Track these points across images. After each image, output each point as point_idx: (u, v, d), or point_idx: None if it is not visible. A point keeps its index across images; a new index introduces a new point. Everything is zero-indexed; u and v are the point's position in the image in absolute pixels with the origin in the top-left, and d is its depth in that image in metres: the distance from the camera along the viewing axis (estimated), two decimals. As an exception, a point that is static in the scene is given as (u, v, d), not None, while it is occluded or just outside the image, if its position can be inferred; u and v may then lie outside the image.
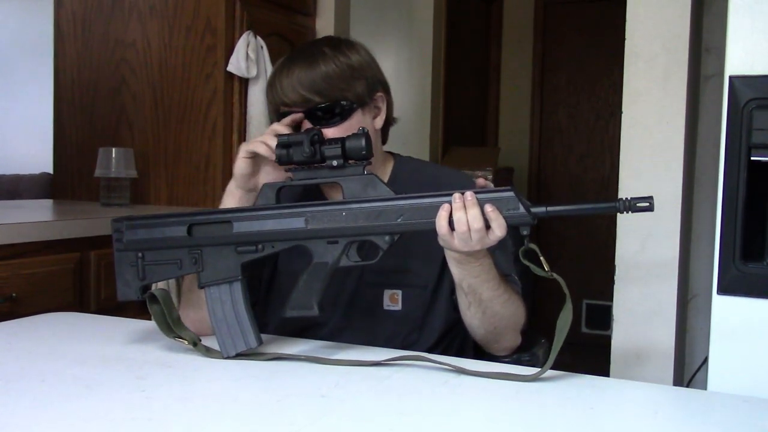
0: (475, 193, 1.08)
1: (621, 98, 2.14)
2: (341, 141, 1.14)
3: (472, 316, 1.25)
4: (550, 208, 1.07)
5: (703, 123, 2.42)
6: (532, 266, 1.07)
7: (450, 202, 1.08)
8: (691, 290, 2.46)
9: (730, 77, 1.41)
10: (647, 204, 1.02)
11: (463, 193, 1.08)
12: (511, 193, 1.07)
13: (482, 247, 1.10)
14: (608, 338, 2.18)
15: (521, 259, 1.08)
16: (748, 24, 1.40)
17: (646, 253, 2.10)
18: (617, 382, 1.28)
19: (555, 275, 1.06)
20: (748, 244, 1.41)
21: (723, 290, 1.42)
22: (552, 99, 4.78)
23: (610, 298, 2.16)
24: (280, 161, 1.17)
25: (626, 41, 2.12)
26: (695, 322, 2.45)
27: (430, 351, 1.32)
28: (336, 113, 1.31)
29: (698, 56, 2.35)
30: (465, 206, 1.07)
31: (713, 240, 1.44)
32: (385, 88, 1.41)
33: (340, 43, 1.36)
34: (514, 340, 1.32)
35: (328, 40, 1.41)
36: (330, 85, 1.30)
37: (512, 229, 1.09)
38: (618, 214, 1.07)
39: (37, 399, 0.96)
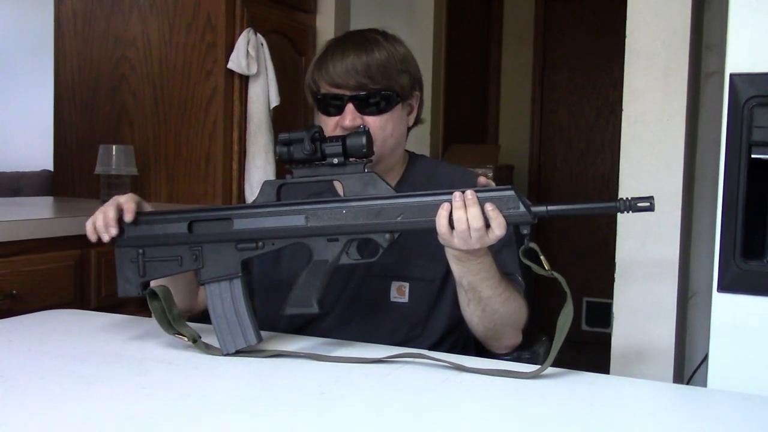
0: (476, 191, 1.08)
1: (621, 96, 2.14)
2: (342, 139, 1.14)
3: (471, 313, 1.25)
4: (550, 208, 1.06)
5: (703, 121, 2.42)
6: (533, 265, 1.07)
7: (450, 201, 1.08)
8: (691, 288, 2.46)
9: (731, 75, 1.41)
10: (648, 204, 1.02)
11: (463, 192, 1.08)
12: (512, 192, 1.07)
13: (482, 246, 1.10)
14: (608, 336, 2.18)
15: (521, 258, 1.08)
16: (749, 21, 1.40)
17: (646, 251, 2.10)
18: (617, 379, 1.28)
19: (555, 274, 1.06)
20: (749, 242, 1.41)
21: (723, 288, 1.42)
22: (552, 97, 4.78)
23: (611, 295, 2.16)
24: (281, 158, 1.17)
25: (627, 39, 2.12)
26: (695, 319, 2.45)
27: (433, 348, 1.32)
28: (382, 101, 1.33)
29: (699, 54, 2.35)
30: (465, 205, 1.07)
31: (713, 238, 1.44)
32: (421, 88, 1.44)
33: (388, 34, 1.40)
34: (514, 338, 1.32)
35: (375, 30, 1.42)
36: (383, 73, 1.32)
37: (513, 228, 1.09)
38: (618, 213, 1.07)
39: (37, 396, 0.96)
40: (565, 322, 1.06)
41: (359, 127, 1.17)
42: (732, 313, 1.42)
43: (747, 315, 1.41)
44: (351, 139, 1.13)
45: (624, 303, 2.14)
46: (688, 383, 2.27)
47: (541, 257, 1.06)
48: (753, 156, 1.40)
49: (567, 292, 1.05)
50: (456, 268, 1.19)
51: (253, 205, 1.18)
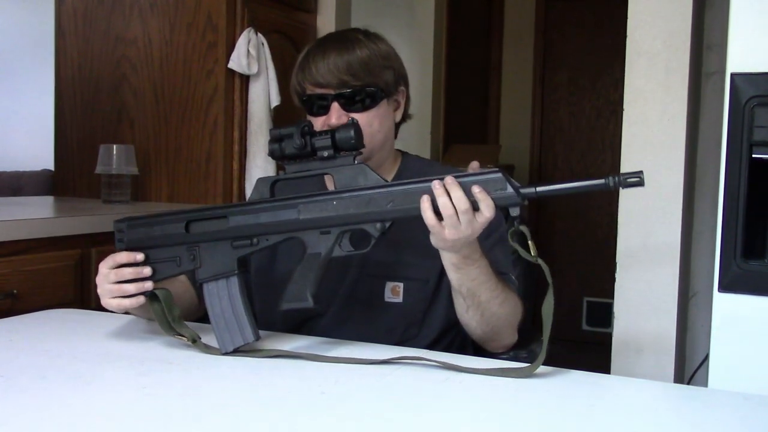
0: (462, 175, 1.07)
1: (622, 95, 2.14)
2: (331, 132, 1.14)
3: (470, 318, 1.25)
4: (539, 188, 1.05)
5: (704, 120, 2.42)
6: (520, 249, 1.06)
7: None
8: (692, 287, 2.45)
9: (732, 75, 1.41)
10: (637, 179, 1.01)
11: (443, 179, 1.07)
12: (499, 174, 1.05)
13: (473, 232, 1.08)
14: (609, 336, 2.18)
15: (510, 240, 1.07)
16: (750, 21, 1.40)
17: (647, 250, 2.10)
18: (618, 379, 1.28)
19: (540, 261, 1.05)
20: (750, 242, 1.41)
21: (724, 287, 1.42)
22: (553, 96, 4.78)
23: (611, 295, 2.16)
24: (273, 155, 1.18)
25: (627, 38, 2.12)
26: (696, 319, 2.45)
27: (430, 347, 1.32)
28: (366, 98, 1.33)
29: (699, 53, 2.35)
30: (447, 190, 1.06)
31: (714, 237, 1.44)
32: (407, 84, 1.44)
33: (369, 33, 1.40)
34: (511, 337, 1.32)
35: (357, 29, 1.43)
36: (365, 70, 1.33)
37: (503, 210, 1.07)
38: (610, 191, 1.05)
39: (37, 395, 0.96)
40: (548, 312, 1.06)
41: (349, 119, 1.17)
42: (733, 313, 1.42)
43: (748, 315, 1.41)
44: (340, 133, 1.14)
45: (625, 302, 2.14)
46: (688, 383, 2.27)
47: (530, 242, 1.05)
48: (754, 156, 1.40)
49: (549, 282, 1.04)
50: (454, 277, 1.18)
51: (247, 203, 1.19)
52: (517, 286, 1.33)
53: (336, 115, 1.31)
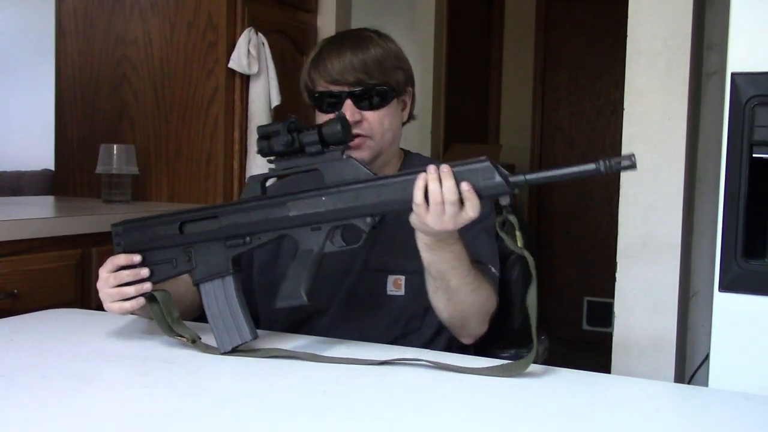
0: (451, 164, 1.06)
1: (622, 95, 2.14)
2: (318, 127, 1.14)
3: (437, 300, 1.25)
4: (528, 176, 1.04)
5: (704, 120, 2.42)
6: (507, 239, 1.06)
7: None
8: (692, 287, 2.46)
9: (732, 74, 1.41)
10: (629, 162, 0.99)
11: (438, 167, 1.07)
12: (487, 163, 1.04)
13: (455, 226, 1.07)
14: (609, 335, 2.18)
15: (498, 230, 1.07)
16: (751, 21, 1.40)
17: (647, 250, 2.10)
18: (618, 378, 1.28)
19: (525, 252, 1.05)
20: (750, 241, 1.41)
21: (725, 287, 1.42)
22: (553, 96, 4.78)
23: (611, 295, 2.16)
24: (262, 153, 1.17)
25: (628, 38, 2.12)
26: (697, 318, 2.45)
27: (431, 340, 1.33)
28: (378, 97, 1.34)
29: (700, 53, 2.35)
30: (440, 178, 1.06)
31: (715, 237, 1.44)
32: (413, 84, 1.46)
33: (380, 33, 1.42)
34: (479, 327, 1.31)
35: (367, 29, 1.44)
36: (379, 69, 1.34)
37: (493, 200, 1.07)
38: (602, 176, 1.04)
39: (38, 395, 0.96)
40: (532, 304, 1.05)
41: (336, 113, 1.17)
42: (733, 313, 1.42)
43: (748, 314, 1.41)
44: (327, 128, 1.13)
45: (625, 302, 2.14)
46: (689, 383, 2.27)
47: (517, 233, 1.05)
48: (754, 155, 1.40)
49: (533, 274, 1.04)
50: (426, 256, 1.18)
51: (237, 201, 1.19)
52: (497, 278, 1.34)
53: (349, 113, 1.32)
